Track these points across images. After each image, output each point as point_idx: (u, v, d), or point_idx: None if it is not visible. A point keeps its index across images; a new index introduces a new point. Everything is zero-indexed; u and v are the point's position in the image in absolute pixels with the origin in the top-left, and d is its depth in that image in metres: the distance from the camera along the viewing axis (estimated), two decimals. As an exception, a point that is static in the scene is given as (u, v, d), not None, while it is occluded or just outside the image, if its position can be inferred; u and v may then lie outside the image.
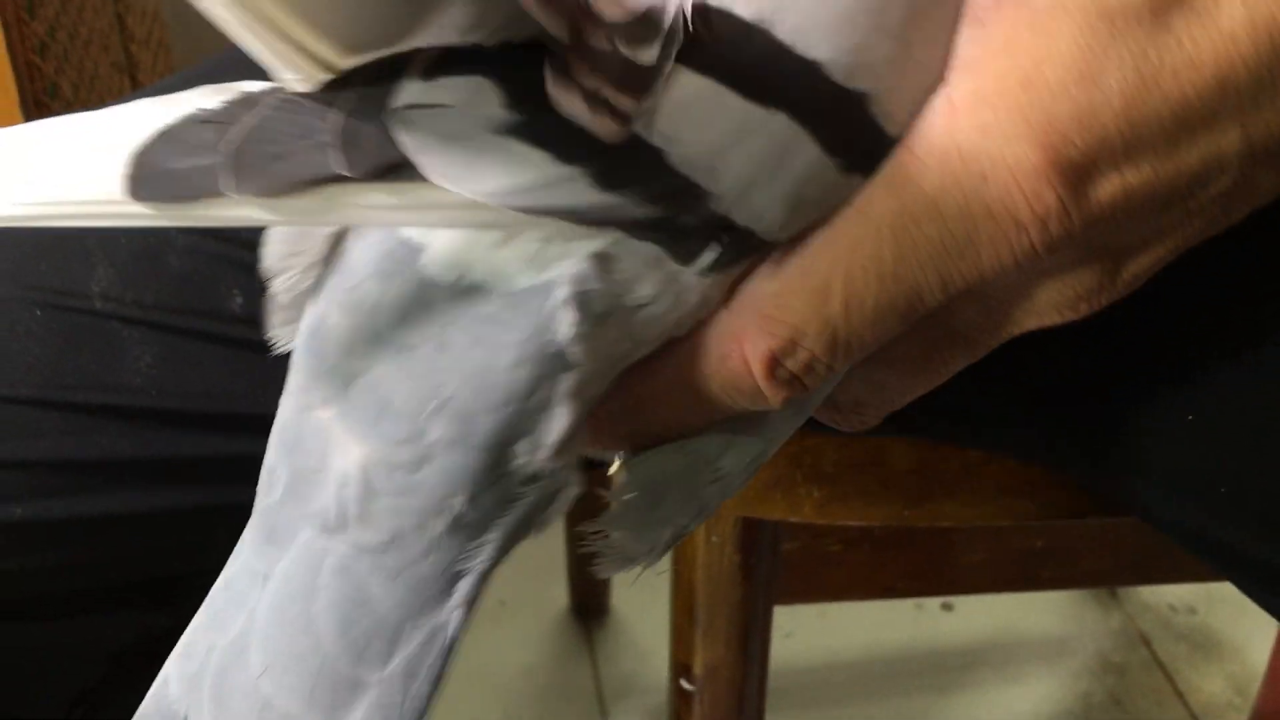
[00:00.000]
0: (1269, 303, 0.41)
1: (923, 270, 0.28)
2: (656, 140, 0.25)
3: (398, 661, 0.27)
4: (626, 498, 0.30)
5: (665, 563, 0.56)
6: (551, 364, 0.27)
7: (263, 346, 0.30)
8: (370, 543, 0.27)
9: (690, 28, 0.25)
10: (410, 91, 0.24)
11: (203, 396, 0.43)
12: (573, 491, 0.29)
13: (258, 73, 0.25)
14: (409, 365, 0.27)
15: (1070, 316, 0.31)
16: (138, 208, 0.25)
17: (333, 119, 0.24)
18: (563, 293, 0.27)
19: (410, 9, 0.23)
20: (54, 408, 0.43)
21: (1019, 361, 0.38)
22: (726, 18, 0.26)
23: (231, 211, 0.25)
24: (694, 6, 0.25)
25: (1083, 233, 0.28)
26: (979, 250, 0.28)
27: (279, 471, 0.28)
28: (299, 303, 0.29)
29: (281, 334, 0.29)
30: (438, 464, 0.27)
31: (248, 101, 0.25)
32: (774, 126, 0.26)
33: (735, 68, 0.26)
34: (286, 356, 0.29)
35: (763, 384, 0.29)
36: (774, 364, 0.28)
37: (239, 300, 0.44)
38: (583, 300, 0.27)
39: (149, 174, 0.25)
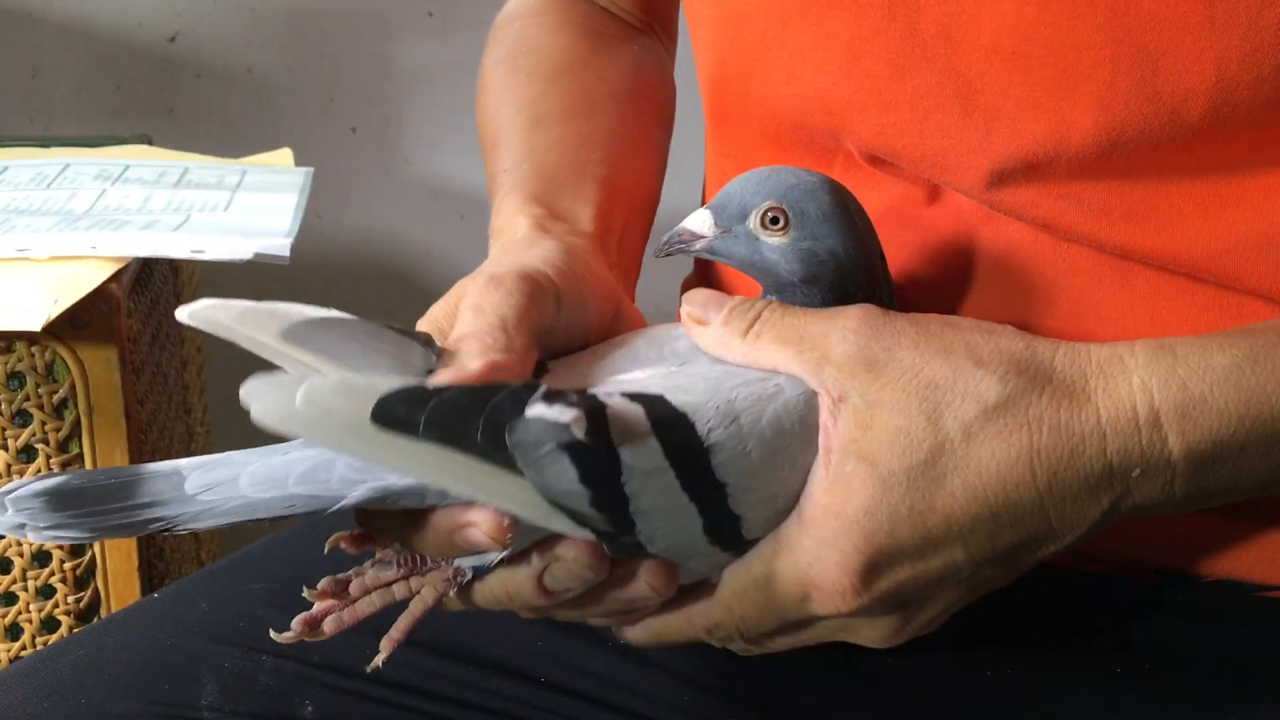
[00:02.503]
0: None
1: (774, 612, 0.48)
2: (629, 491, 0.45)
3: None
4: None
5: None
6: None
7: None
8: None
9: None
10: (533, 410, 0.44)
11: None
12: None
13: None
14: None
15: (887, 645, 0.50)
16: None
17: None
18: None
19: None
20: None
21: None
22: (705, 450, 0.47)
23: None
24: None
25: (870, 604, 0.47)
26: (809, 605, 0.48)
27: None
28: None
29: None
30: None
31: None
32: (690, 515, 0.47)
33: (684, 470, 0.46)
34: None
35: None
36: None
37: (309, 708, 0.58)
38: None
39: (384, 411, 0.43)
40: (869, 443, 0.47)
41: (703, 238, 0.52)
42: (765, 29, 0.58)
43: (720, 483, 0.47)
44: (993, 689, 0.58)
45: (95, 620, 0.84)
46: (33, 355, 0.81)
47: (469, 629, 0.61)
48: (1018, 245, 0.55)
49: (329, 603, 0.50)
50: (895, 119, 0.55)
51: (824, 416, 0.47)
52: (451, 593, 0.49)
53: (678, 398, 0.47)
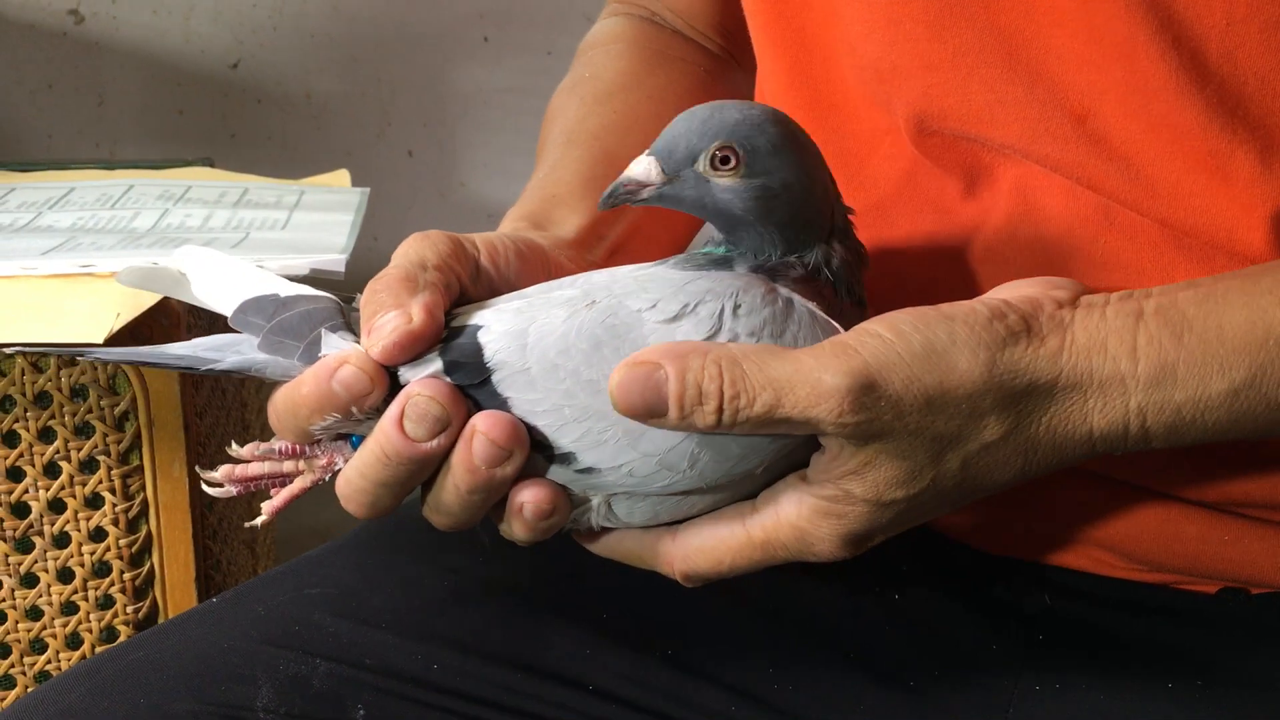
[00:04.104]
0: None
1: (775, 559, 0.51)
2: None
3: None
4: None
5: None
6: None
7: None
8: None
9: None
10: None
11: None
12: None
13: None
14: None
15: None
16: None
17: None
18: None
19: None
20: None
21: None
22: None
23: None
24: None
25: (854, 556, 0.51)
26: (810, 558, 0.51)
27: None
28: None
29: None
30: None
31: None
32: None
33: None
34: None
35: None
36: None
37: (361, 712, 0.59)
38: None
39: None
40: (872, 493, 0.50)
41: (649, 185, 0.51)
42: (825, 8, 0.61)
43: (502, 396, 0.50)
44: (1039, 700, 0.58)
45: (154, 629, 0.86)
46: (95, 369, 0.83)
47: (519, 636, 0.62)
48: (1060, 223, 0.57)
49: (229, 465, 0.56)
50: (939, 79, 0.57)
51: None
52: (341, 461, 0.54)
53: (489, 323, 0.51)
